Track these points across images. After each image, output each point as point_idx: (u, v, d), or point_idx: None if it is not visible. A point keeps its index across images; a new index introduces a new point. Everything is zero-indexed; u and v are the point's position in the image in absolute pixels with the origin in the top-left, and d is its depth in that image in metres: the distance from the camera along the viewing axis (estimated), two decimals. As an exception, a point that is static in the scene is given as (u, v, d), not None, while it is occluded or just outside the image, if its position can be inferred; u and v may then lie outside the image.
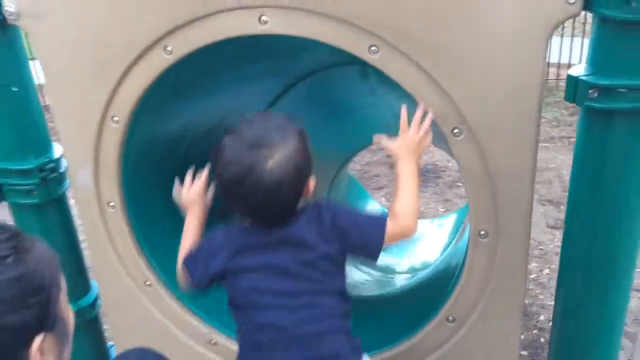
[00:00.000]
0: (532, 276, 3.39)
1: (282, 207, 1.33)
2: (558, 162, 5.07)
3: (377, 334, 1.82)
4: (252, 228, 1.39)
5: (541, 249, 3.73)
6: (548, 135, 5.55)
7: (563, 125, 5.69)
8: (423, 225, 4.18)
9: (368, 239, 1.35)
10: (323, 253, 1.33)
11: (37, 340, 0.82)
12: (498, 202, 1.45)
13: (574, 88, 1.27)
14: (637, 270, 1.47)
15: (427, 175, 5.90)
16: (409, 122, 1.45)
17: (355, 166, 5.43)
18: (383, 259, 3.45)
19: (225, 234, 1.43)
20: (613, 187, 1.32)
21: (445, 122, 1.42)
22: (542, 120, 5.64)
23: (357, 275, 3.37)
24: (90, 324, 2.03)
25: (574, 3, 1.21)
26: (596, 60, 1.26)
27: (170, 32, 1.50)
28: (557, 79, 6.15)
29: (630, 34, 1.19)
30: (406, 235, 1.40)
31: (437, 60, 1.36)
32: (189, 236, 1.57)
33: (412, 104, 2.60)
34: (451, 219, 4.19)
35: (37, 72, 1.72)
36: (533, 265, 3.53)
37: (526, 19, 1.26)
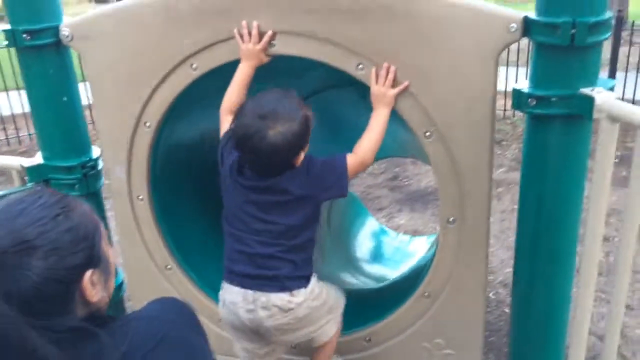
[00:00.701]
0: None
1: (274, 166, 1.70)
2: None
3: (367, 311, 2.11)
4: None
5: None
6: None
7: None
8: (419, 242, 4.45)
9: (333, 180, 1.74)
10: (296, 196, 1.71)
11: (87, 274, 1.05)
12: (463, 193, 1.75)
13: (518, 98, 1.58)
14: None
15: (427, 198, 6.19)
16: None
17: (358, 189, 5.71)
18: (378, 269, 3.71)
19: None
20: (554, 178, 1.62)
21: (419, 127, 1.74)
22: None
23: (354, 281, 3.64)
24: (115, 305, 2.33)
25: (515, 31, 1.54)
26: (534, 76, 1.58)
27: (195, 53, 1.84)
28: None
29: (558, 55, 1.50)
30: (364, 166, 1.83)
31: (409, 74, 1.68)
32: (238, 88, 1.87)
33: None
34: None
35: (87, 92, 2.03)
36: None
37: (477, 44, 1.60)
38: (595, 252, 1.54)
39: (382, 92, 1.74)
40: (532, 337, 1.83)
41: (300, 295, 1.74)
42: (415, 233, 4.95)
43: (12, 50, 1.95)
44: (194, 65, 1.87)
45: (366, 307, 2.24)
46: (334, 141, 3.30)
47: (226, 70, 1.88)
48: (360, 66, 1.73)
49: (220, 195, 1.86)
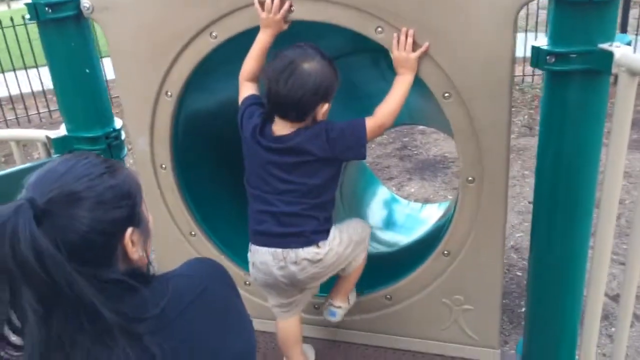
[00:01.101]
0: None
1: (299, 103, 1.74)
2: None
3: (387, 270, 2.17)
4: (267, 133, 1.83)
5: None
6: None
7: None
8: (431, 209, 4.50)
9: (353, 142, 1.79)
10: (317, 157, 1.78)
11: (128, 231, 1.11)
12: (482, 152, 1.79)
13: (537, 56, 1.61)
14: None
15: (437, 167, 6.23)
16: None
17: (368, 159, 5.74)
18: (392, 236, 3.78)
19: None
20: (573, 134, 1.65)
21: (437, 88, 1.77)
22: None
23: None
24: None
25: (534, -12, 1.56)
26: (553, 33, 1.60)
27: (215, 21, 1.87)
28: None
29: (576, 11, 1.52)
30: (382, 129, 1.85)
31: (427, 37, 1.71)
32: (257, 55, 1.91)
33: (418, 88, 2.95)
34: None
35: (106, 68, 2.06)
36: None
37: (495, 4, 1.61)
38: (614, 205, 1.58)
39: (403, 57, 1.77)
40: (549, 295, 1.88)
41: (325, 246, 1.84)
42: (425, 201, 5.00)
43: (19, 29, 1.98)
44: (214, 34, 1.89)
45: (386, 267, 2.30)
46: (349, 108, 3.33)
47: (245, 38, 1.91)
48: (379, 29, 1.76)
49: (241, 161, 1.93)
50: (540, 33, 5.93)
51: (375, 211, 4.37)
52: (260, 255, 1.87)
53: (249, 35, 1.90)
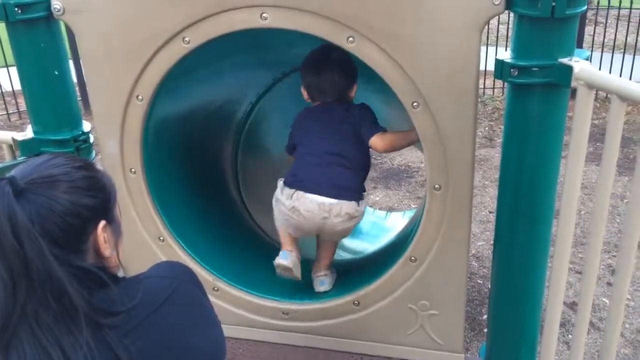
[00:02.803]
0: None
1: (333, 87, 2.22)
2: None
3: (355, 277, 2.20)
4: (312, 107, 2.31)
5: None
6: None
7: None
8: (395, 217, 4.57)
9: (365, 134, 2.21)
10: (352, 132, 2.19)
11: (102, 223, 1.15)
12: (448, 161, 1.85)
13: (501, 68, 1.68)
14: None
15: (401, 176, 6.33)
16: None
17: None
18: (357, 244, 3.83)
19: (298, 117, 2.36)
20: (534, 144, 1.72)
21: (406, 97, 1.82)
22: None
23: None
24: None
25: (498, 4, 1.63)
26: (516, 47, 1.67)
27: (188, 26, 1.88)
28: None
29: (538, 27, 1.60)
30: (375, 148, 2.24)
31: (397, 47, 1.76)
32: None
33: (384, 98, 3.01)
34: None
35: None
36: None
37: (461, 15, 1.68)
38: (572, 215, 1.65)
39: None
40: (511, 301, 1.94)
41: (362, 206, 2.19)
42: (390, 209, 5.08)
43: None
44: (187, 39, 1.91)
45: (354, 273, 2.34)
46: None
47: (218, 44, 1.93)
48: (351, 39, 1.80)
49: (209, 167, 1.96)
50: (500, 47, 6.11)
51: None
52: (306, 204, 2.12)
53: (221, 42, 1.92)
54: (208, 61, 2.18)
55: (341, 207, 2.11)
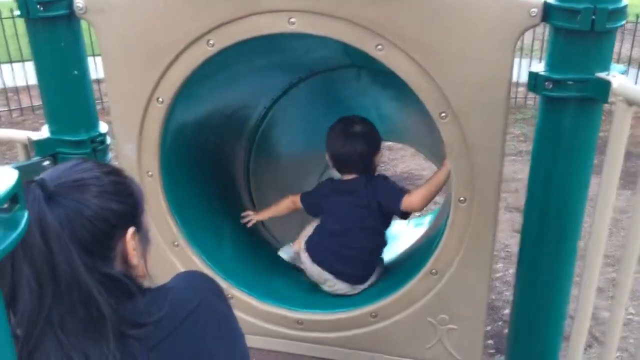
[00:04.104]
0: (498, 275, 3.76)
1: (358, 158, 2.29)
2: (525, 174, 5.47)
3: (373, 288, 2.17)
4: (337, 180, 2.37)
5: (508, 251, 4.08)
6: (516, 150, 5.99)
7: (529, 141, 6.14)
8: (399, 225, 4.53)
9: (391, 208, 2.26)
10: (369, 206, 2.26)
11: (131, 230, 1.12)
12: (474, 173, 1.81)
13: (534, 81, 1.64)
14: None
15: (404, 183, 6.29)
16: None
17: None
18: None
19: (322, 185, 2.48)
20: (565, 159, 1.69)
21: (435, 107, 1.79)
22: (511, 135, 6.10)
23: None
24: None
25: (535, 16, 1.60)
26: (551, 60, 1.64)
27: (213, 29, 1.84)
28: (525, 98, 6.61)
29: (576, 40, 1.57)
30: (412, 209, 2.29)
31: (428, 56, 1.73)
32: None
33: (399, 105, 2.98)
34: (427, 220, 4.56)
35: (97, 68, 2.02)
36: (499, 265, 3.91)
37: (497, 27, 1.65)
38: (603, 235, 1.62)
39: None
40: (534, 319, 1.91)
41: (360, 287, 2.29)
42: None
43: None
44: (211, 42, 1.87)
45: (372, 284, 2.30)
46: (328, 120, 3.35)
47: (242, 47, 1.90)
48: (380, 46, 1.77)
49: (223, 172, 2.23)
50: (524, 59, 6.08)
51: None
52: (310, 266, 2.31)
53: (245, 45, 1.89)
54: (228, 64, 2.14)
55: (335, 283, 2.29)
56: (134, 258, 1.14)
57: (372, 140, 2.32)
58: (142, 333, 1.04)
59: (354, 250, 2.24)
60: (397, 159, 6.94)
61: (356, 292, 2.27)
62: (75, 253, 0.99)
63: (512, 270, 3.89)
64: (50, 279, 0.97)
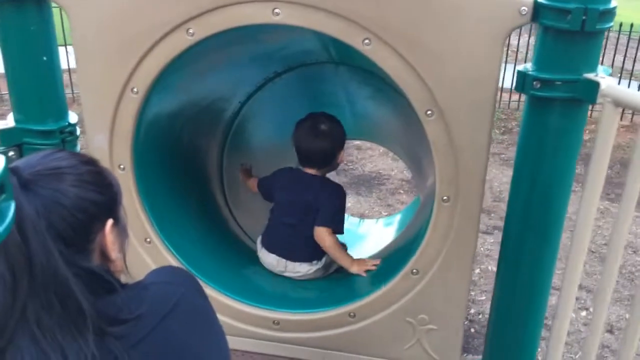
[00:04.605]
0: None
1: (320, 154, 2.37)
2: (490, 176, 5.54)
3: (352, 287, 2.13)
4: (296, 170, 2.46)
5: (473, 251, 4.11)
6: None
7: (495, 143, 6.23)
8: (368, 224, 4.52)
9: (317, 220, 2.33)
10: (313, 204, 2.34)
11: (110, 222, 1.08)
12: (459, 172, 1.79)
13: (522, 80, 1.63)
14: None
15: (372, 182, 6.30)
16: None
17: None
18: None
19: (280, 173, 2.51)
20: (550, 158, 1.69)
21: (421, 105, 1.76)
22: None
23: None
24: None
25: (525, 14, 1.59)
26: (539, 59, 1.63)
27: (194, 17, 1.77)
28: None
29: (565, 40, 1.56)
30: (315, 237, 2.32)
31: (416, 52, 1.70)
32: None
33: (375, 104, 2.95)
34: (396, 219, 4.56)
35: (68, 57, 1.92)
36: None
37: (486, 24, 1.63)
38: (587, 235, 1.62)
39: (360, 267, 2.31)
40: (512, 321, 1.90)
41: (317, 264, 2.37)
42: (361, 216, 5.04)
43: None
44: (191, 31, 1.80)
45: (350, 283, 2.26)
46: (316, 109, 3.30)
47: (222, 37, 1.83)
48: (367, 41, 1.73)
49: (197, 165, 2.21)
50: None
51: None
52: (267, 259, 2.39)
53: (224, 35, 1.82)
54: (205, 54, 2.07)
55: (294, 266, 2.37)
56: (113, 252, 1.09)
57: (336, 139, 2.38)
58: (122, 330, 1.00)
59: (304, 238, 2.33)
60: (365, 159, 6.95)
61: (317, 269, 2.37)
62: (52, 244, 0.94)
63: (477, 271, 3.93)
64: (26, 271, 0.91)
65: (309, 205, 2.32)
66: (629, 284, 3.74)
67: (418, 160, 3.19)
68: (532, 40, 7.87)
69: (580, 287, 3.61)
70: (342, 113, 3.34)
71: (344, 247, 2.46)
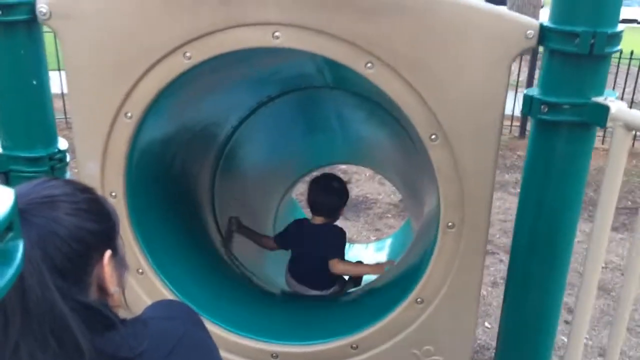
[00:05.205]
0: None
1: (328, 208, 2.80)
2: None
3: (354, 317, 2.06)
4: (305, 222, 2.88)
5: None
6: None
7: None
8: (358, 249, 4.47)
9: (329, 254, 2.71)
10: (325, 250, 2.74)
11: (108, 253, 1.01)
12: (464, 197, 1.75)
13: (529, 104, 1.60)
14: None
15: (359, 207, 6.25)
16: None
17: (292, 196, 5.68)
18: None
19: (292, 227, 2.89)
20: (557, 182, 1.65)
21: (425, 129, 1.72)
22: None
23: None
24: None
25: (531, 38, 1.56)
26: (546, 83, 1.61)
27: (191, 40, 1.72)
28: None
29: (572, 64, 1.54)
30: (332, 270, 2.69)
31: (420, 76, 1.66)
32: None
33: (370, 129, 2.91)
34: (387, 243, 4.51)
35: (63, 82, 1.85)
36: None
37: (493, 48, 1.60)
38: (601, 256, 1.58)
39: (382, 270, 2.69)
40: (521, 341, 1.85)
41: (329, 290, 2.85)
42: (350, 241, 4.97)
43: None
44: (188, 54, 1.74)
45: (351, 313, 2.19)
46: (295, 140, 3.27)
47: (220, 60, 1.78)
48: (369, 65, 1.69)
49: (191, 192, 2.20)
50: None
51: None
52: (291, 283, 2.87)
53: (222, 57, 1.77)
54: (201, 77, 2.01)
55: (312, 292, 2.81)
56: (111, 285, 1.03)
57: (343, 196, 2.87)
58: None
59: (320, 274, 2.76)
60: (352, 183, 6.91)
61: (327, 293, 2.83)
62: (48, 276, 0.88)
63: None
64: (19, 307, 0.85)
65: (320, 252, 2.74)
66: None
67: (412, 185, 3.16)
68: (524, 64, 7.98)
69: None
70: (334, 137, 3.30)
71: (360, 262, 3.02)
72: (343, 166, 6.99)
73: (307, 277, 2.80)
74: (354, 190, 6.64)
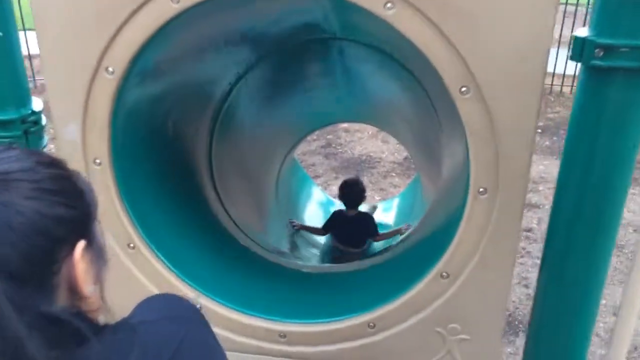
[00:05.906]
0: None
1: (357, 203, 3.68)
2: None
3: (371, 292, 1.86)
4: (344, 213, 3.72)
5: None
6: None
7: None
8: (363, 209, 4.31)
9: (372, 235, 3.75)
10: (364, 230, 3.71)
11: (80, 245, 0.80)
12: (499, 160, 1.52)
13: (581, 47, 1.36)
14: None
15: (363, 166, 6.03)
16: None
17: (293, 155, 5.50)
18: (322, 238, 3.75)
19: (336, 216, 3.77)
20: (608, 137, 1.43)
21: (454, 81, 1.48)
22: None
23: (309, 253, 3.43)
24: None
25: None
26: (600, 23, 1.36)
27: (179, -20, 1.46)
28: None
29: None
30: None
31: (448, 17, 1.41)
32: None
33: (378, 82, 2.67)
34: (394, 203, 4.33)
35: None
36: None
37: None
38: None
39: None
40: (561, 313, 1.66)
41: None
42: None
43: None
44: (176, -3, 1.49)
45: (368, 289, 1.99)
46: (296, 98, 3.04)
47: (211, 6, 1.53)
48: (389, 4, 1.44)
49: (183, 160, 2.00)
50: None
51: (311, 213, 4.11)
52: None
53: (215, 2, 1.52)
54: (192, 27, 1.76)
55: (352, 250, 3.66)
56: (86, 285, 0.82)
57: (364, 193, 3.80)
58: None
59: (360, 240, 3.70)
60: (355, 141, 6.68)
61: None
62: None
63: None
64: None
65: (360, 231, 3.68)
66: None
67: (425, 143, 2.93)
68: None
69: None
70: (339, 93, 3.06)
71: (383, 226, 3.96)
72: (344, 124, 6.75)
73: (351, 242, 3.68)
74: (357, 149, 6.42)
